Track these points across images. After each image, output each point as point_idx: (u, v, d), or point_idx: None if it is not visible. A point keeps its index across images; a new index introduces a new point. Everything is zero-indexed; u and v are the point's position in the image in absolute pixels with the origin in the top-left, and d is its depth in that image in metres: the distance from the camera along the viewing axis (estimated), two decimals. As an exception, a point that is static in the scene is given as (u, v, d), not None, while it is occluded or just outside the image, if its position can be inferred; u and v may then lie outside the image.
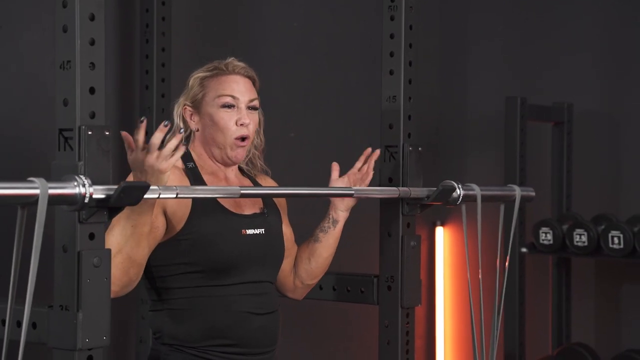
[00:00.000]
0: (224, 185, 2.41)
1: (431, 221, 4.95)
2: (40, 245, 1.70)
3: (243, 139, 2.42)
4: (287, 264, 2.59)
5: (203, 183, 2.39)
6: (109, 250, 1.90)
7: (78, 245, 1.85)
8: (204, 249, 2.30)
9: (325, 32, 4.41)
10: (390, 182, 2.74)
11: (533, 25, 4.79)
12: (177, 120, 2.46)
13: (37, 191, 1.72)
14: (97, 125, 1.87)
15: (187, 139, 2.46)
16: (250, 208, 2.43)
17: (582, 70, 4.63)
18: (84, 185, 1.81)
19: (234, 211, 2.38)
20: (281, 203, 2.58)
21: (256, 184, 2.53)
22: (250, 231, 2.38)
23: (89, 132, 1.86)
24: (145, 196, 1.94)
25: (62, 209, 1.84)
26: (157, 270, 2.33)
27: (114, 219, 2.06)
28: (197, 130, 2.45)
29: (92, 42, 1.87)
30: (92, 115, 1.87)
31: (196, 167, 2.41)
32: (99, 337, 1.86)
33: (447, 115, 5.03)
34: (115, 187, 1.86)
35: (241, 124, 2.41)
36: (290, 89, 4.23)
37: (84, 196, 1.80)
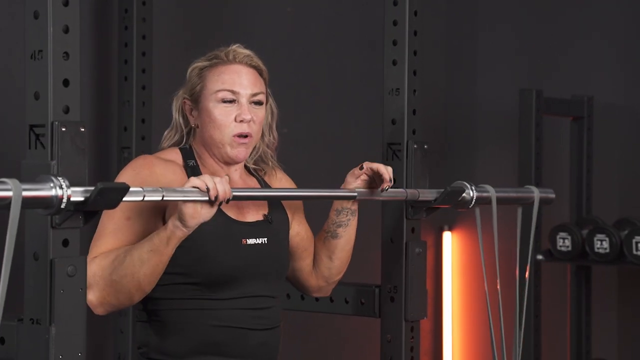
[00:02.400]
0: None
1: (438, 226, 4.95)
2: (12, 252, 1.70)
3: (244, 136, 2.39)
4: (306, 265, 2.57)
5: None
6: (84, 258, 1.89)
7: (50, 252, 1.85)
8: (200, 259, 2.29)
9: (321, 18, 4.41)
10: (394, 183, 2.73)
11: (549, 11, 4.80)
12: (176, 115, 2.45)
13: (9, 193, 1.72)
14: (71, 120, 1.87)
15: (187, 135, 2.45)
16: (253, 214, 2.41)
17: (603, 60, 4.64)
18: (60, 187, 1.80)
19: (235, 218, 2.36)
20: (293, 203, 2.55)
21: (265, 185, 2.51)
22: (251, 241, 2.36)
23: (63, 129, 1.85)
24: (129, 198, 1.94)
25: (36, 212, 1.84)
26: None
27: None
28: (197, 126, 2.43)
29: (66, 30, 1.87)
30: (66, 110, 1.87)
31: (197, 165, 2.40)
32: (73, 353, 1.86)
33: (455, 110, 5.03)
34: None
35: (241, 120, 2.37)
36: (283, 80, 4.23)
37: (60, 199, 1.80)
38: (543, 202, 2.91)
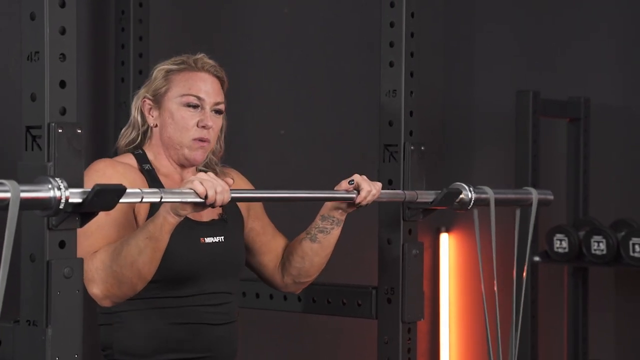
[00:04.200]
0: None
1: (435, 227, 4.95)
2: (10, 254, 1.70)
3: (202, 140, 2.45)
4: (268, 261, 2.63)
5: (160, 185, 2.42)
6: (81, 260, 1.90)
7: (47, 254, 1.85)
8: (161, 258, 2.31)
9: (319, 19, 4.41)
10: (390, 184, 2.74)
11: (546, 13, 4.80)
12: (135, 113, 2.50)
13: (7, 194, 1.72)
14: (68, 122, 1.87)
15: (143, 135, 2.49)
16: (209, 213, 2.45)
17: (600, 61, 4.64)
18: (59, 189, 1.81)
19: (192, 218, 2.40)
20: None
21: None
22: (209, 239, 2.43)
23: (59, 130, 1.85)
24: (128, 200, 1.96)
25: (32, 214, 1.84)
26: None
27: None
28: (155, 126, 2.48)
29: (63, 31, 1.87)
30: (63, 112, 1.87)
31: (152, 168, 2.45)
32: (70, 355, 1.86)
33: (453, 111, 5.03)
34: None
35: (202, 126, 2.45)
36: (280, 82, 4.23)
37: (59, 200, 1.80)
38: (541, 203, 2.91)
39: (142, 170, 2.43)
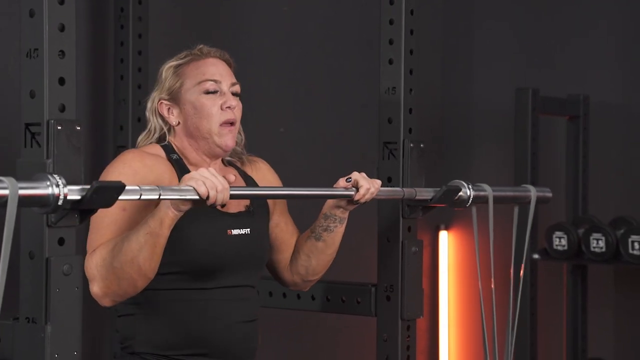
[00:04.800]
0: None
1: (434, 225, 4.95)
2: (9, 251, 1.70)
3: (230, 123, 2.42)
4: (283, 259, 2.60)
5: None
6: (80, 257, 1.90)
7: (46, 251, 1.85)
8: (186, 248, 2.32)
9: (318, 17, 4.41)
10: (390, 182, 2.74)
11: (545, 10, 4.80)
12: (152, 117, 2.47)
13: (6, 191, 1.72)
14: (67, 119, 1.87)
15: (165, 136, 2.46)
16: (235, 205, 2.44)
17: (599, 59, 4.64)
18: (57, 186, 1.80)
19: (220, 209, 2.37)
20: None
21: (245, 176, 2.53)
22: (235, 231, 2.40)
23: (58, 127, 1.85)
24: (127, 197, 1.95)
25: (31, 211, 1.84)
26: None
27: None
28: (178, 124, 2.45)
29: (62, 28, 1.87)
30: (62, 109, 1.87)
31: (180, 158, 2.42)
32: (69, 352, 1.86)
33: (452, 109, 5.03)
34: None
35: (227, 107, 2.42)
36: (280, 79, 4.23)
37: (57, 197, 1.80)
38: (540, 201, 2.91)
39: (170, 160, 2.40)
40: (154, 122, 2.47)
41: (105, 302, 2.25)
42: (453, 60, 5.04)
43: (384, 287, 2.76)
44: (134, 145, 3.63)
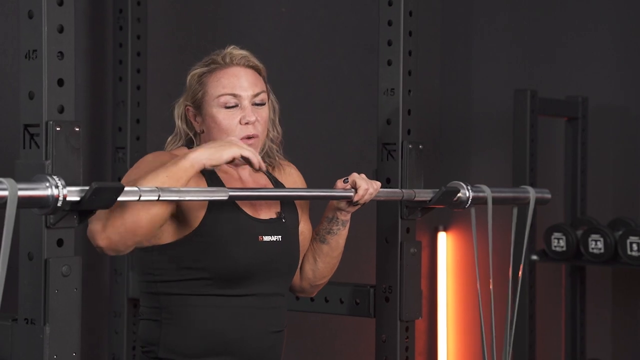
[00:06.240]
0: (239, 185, 2.40)
1: (433, 226, 4.96)
2: (8, 253, 1.70)
3: (249, 137, 2.40)
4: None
5: (220, 181, 2.37)
6: (79, 258, 1.89)
7: (45, 252, 1.85)
8: (217, 254, 2.29)
9: (316, 18, 4.41)
10: (389, 183, 2.74)
11: (543, 12, 4.80)
12: (179, 122, 2.45)
13: (5, 192, 1.72)
14: (66, 120, 1.87)
15: (190, 141, 2.45)
16: (266, 212, 2.42)
17: (598, 60, 4.64)
18: (56, 187, 1.80)
19: (250, 214, 2.37)
20: (303, 201, 2.57)
21: (274, 180, 2.52)
22: (267, 238, 2.37)
23: (57, 128, 1.85)
24: (125, 198, 1.94)
25: (30, 212, 1.84)
26: (160, 273, 2.32)
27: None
28: (202, 132, 2.43)
29: (61, 29, 1.87)
30: (61, 110, 1.87)
31: None
32: (67, 353, 1.86)
33: (450, 110, 5.04)
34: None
35: (246, 123, 2.39)
36: (277, 81, 4.21)
37: (56, 198, 1.80)
38: (539, 202, 2.91)
39: None
40: (179, 127, 2.45)
41: (102, 239, 2.08)
42: (452, 61, 5.04)
43: (383, 288, 2.76)
44: (133, 146, 3.68)
